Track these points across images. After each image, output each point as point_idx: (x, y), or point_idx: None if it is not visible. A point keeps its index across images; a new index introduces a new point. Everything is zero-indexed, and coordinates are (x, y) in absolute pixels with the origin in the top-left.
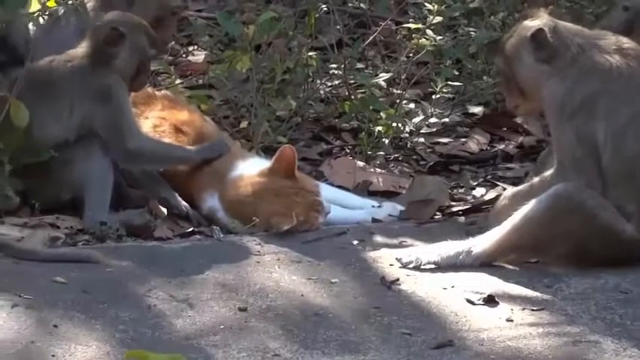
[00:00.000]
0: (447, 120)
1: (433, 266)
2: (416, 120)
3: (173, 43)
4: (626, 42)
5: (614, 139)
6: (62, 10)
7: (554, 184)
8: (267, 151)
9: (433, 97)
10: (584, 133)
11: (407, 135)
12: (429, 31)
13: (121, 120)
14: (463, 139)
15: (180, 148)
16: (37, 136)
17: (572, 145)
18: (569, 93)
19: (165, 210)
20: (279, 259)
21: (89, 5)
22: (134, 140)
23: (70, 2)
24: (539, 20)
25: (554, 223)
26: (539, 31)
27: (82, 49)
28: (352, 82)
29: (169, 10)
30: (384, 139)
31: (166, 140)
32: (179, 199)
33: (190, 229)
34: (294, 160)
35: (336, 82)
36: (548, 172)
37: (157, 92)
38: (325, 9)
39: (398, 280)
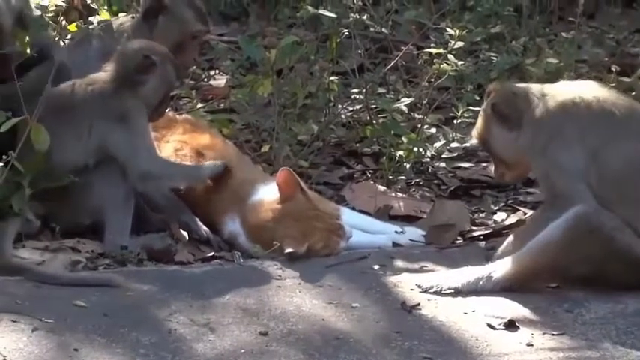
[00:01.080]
0: (468, 145)
1: (454, 291)
2: (437, 145)
3: (194, 67)
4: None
5: (595, 163)
6: (84, 33)
7: (547, 214)
8: None
9: (454, 121)
10: (562, 161)
11: (428, 160)
12: (450, 56)
13: (136, 142)
14: (484, 164)
15: (191, 168)
16: (56, 160)
17: (553, 175)
18: (536, 133)
19: (186, 234)
20: (300, 284)
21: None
22: (148, 162)
23: (91, 27)
24: (494, 94)
25: (573, 245)
26: (495, 105)
27: (105, 72)
28: (374, 106)
29: (190, 35)
30: (405, 164)
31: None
32: (200, 223)
33: (211, 254)
34: (293, 179)
35: (358, 106)
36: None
37: (178, 116)
38: (347, 34)
39: (419, 304)
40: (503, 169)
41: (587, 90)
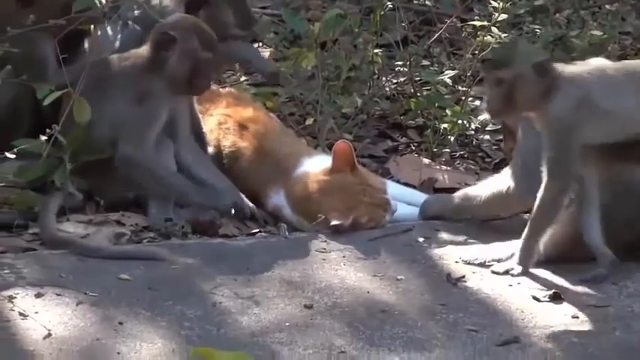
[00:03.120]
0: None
1: (497, 263)
2: (481, 117)
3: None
4: None
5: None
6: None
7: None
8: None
9: None
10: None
11: (472, 132)
12: (494, 29)
13: (138, 124)
14: None
15: (181, 182)
16: (96, 133)
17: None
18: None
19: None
20: (344, 257)
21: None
22: (136, 149)
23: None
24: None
25: (612, 208)
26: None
27: (141, 50)
28: (418, 79)
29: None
30: (449, 137)
31: (228, 138)
32: (245, 200)
33: (257, 230)
34: (350, 153)
35: (402, 79)
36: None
37: (221, 89)
38: (391, 6)
39: (464, 277)
40: (514, 144)
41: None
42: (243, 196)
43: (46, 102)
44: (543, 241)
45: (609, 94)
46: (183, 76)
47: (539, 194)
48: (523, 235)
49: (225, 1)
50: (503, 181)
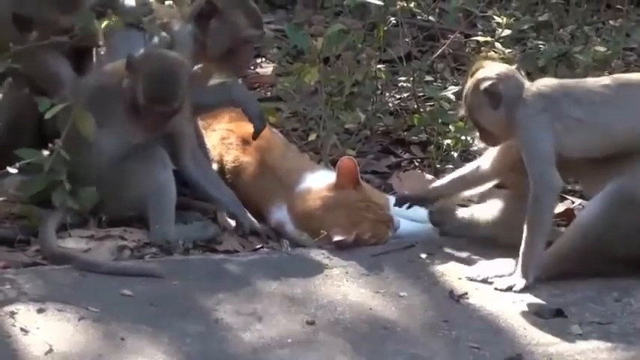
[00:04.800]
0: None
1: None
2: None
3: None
4: None
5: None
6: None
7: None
8: (336, 164)
9: None
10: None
11: (475, 148)
12: (497, 44)
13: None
14: None
15: (220, 185)
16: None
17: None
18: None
19: (233, 222)
20: (347, 273)
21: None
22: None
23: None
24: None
25: (615, 221)
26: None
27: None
28: (421, 94)
29: (243, 39)
30: (452, 152)
31: (231, 154)
32: (247, 215)
33: (259, 246)
34: (355, 170)
35: (405, 94)
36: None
37: None
38: (394, 22)
39: (466, 293)
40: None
41: None
42: (246, 211)
43: (48, 115)
44: (545, 258)
45: (579, 103)
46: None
47: (529, 204)
48: (521, 249)
49: (233, 5)
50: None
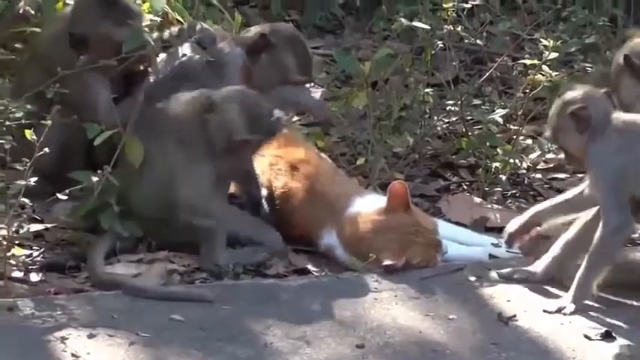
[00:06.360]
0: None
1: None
2: (533, 156)
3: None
4: None
5: None
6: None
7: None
8: (385, 188)
9: None
10: None
11: (524, 171)
12: (545, 67)
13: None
14: (580, 175)
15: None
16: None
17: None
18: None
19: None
20: (396, 296)
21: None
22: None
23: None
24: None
25: None
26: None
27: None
28: (469, 118)
29: (289, 82)
30: (501, 175)
31: (280, 179)
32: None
33: (305, 266)
34: (406, 194)
35: (453, 118)
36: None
37: None
38: (442, 45)
39: (515, 315)
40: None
41: None
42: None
43: (97, 142)
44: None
45: None
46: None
47: (598, 233)
48: (579, 274)
49: (287, 45)
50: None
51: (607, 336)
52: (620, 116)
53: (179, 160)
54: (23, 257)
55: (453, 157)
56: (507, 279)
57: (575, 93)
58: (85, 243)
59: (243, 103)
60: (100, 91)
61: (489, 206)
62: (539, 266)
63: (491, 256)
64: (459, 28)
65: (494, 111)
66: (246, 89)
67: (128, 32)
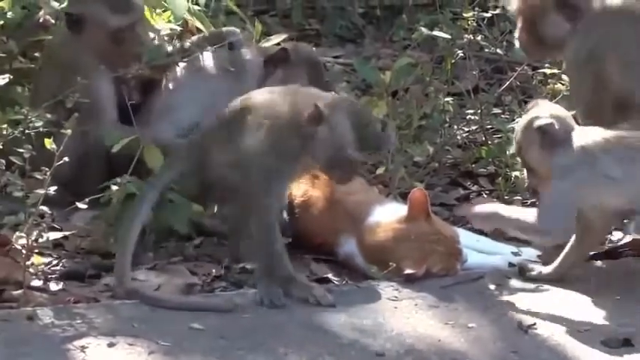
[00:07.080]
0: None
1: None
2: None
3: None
4: None
5: None
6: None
7: None
8: (405, 197)
9: None
10: None
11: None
12: (564, 77)
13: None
14: None
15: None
16: None
17: None
18: None
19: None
20: (416, 304)
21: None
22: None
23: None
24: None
25: None
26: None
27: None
28: (489, 127)
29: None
30: (520, 184)
31: (300, 188)
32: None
33: (325, 275)
34: (426, 202)
35: (473, 127)
36: None
37: None
38: (462, 55)
39: (535, 324)
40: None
41: None
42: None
43: (115, 149)
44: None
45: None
46: (326, 161)
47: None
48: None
49: (303, 65)
50: None
51: (626, 343)
52: (581, 132)
53: (269, 162)
54: (43, 266)
55: (473, 165)
56: (534, 280)
57: (542, 108)
58: (105, 251)
59: (353, 115)
60: (107, 95)
61: None
62: (553, 266)
63: (510, 264)
64: (479, 38)
65: (513, 120)
66: (353, 100)
67: (123, 20)
